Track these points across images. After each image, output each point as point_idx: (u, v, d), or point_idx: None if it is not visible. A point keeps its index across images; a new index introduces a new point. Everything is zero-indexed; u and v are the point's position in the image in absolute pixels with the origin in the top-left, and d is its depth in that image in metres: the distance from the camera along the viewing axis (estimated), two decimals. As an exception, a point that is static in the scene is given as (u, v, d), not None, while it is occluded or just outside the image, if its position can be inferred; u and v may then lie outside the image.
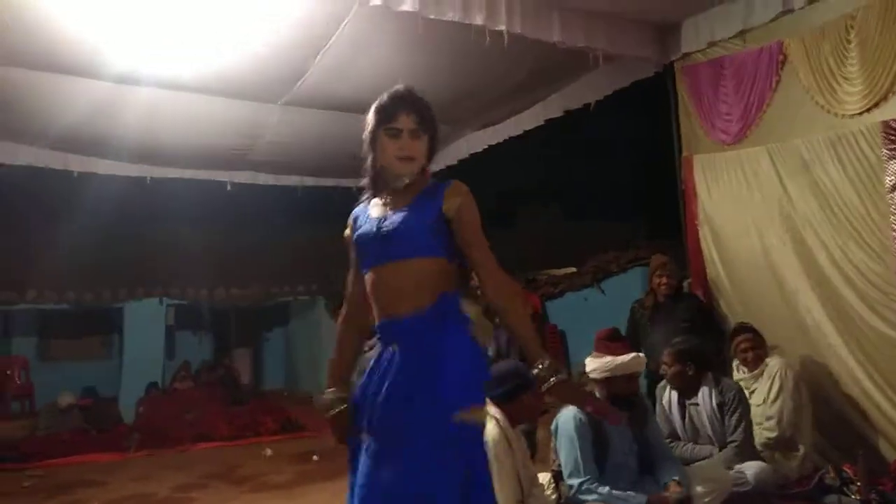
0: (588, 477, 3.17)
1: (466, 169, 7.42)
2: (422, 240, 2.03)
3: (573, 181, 11.36)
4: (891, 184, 3.74)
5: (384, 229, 2.06)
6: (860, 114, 3.88)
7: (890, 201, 3.74)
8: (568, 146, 10.20)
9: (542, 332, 4.78)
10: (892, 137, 3.72)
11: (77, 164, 6.59)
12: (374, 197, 2.17)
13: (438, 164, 7.56)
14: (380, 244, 2.06)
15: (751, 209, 4.54)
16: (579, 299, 8.64)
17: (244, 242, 10.29)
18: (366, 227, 2.12)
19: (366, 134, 2.12)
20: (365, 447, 1.99)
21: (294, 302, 11.41)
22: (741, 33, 4.52)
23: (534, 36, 4.31)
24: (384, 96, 2.10)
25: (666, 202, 5.39)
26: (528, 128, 6.25)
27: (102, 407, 8.66)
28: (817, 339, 4.14)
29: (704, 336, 4.21)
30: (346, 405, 2.10)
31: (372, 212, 2.15)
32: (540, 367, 1.93)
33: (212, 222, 9.58)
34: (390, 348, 2.03)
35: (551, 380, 1.92)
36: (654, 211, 7.02)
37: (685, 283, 5.10)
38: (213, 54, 4.80)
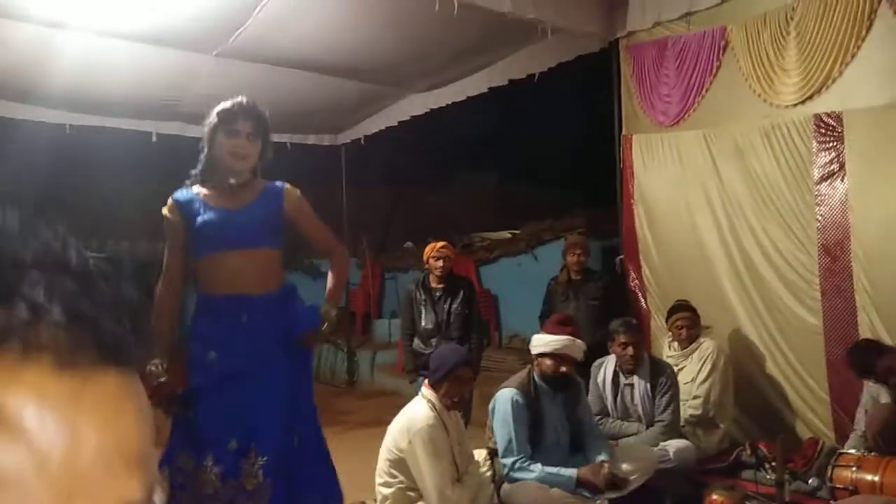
0: (521, 456, 3.26)
1: (408, 131, 7.26)
2: (269, 232, 2.47)
3: (513, 149, 11.33)
4: (819, 176, 3.89)
5: (239, 220, 2.42)
6: (794, 105, 3.98)
7: (816, 193, 3.91)
8: (510, 116, 10.16)
9: (475, 295, 4.86)
10: (823, 131, 3.86)
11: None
12: (202, 186, 2.50)
13: (378, 125, 7.36)
14: (233, 232, 2.40)
15: (684, 191, 4.64)
16: (513, 265, 8.73)
17: (167, 195, 9.86)
18: (210, 215, 2.44)
19: (206, 131, 2.47)
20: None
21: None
22: (686, 15, 4.53)
23: (484, 5, 4.21)
24: (228, 103, 2.46)
25: (603, 177, 5.45)
26: (471, 94, 6.13)
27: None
28: (742, 320, 4.32)
29: (610, 315, 4.23)
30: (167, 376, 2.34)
31: (211, 202, 2.47)
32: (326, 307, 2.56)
33: (135, 173, 9.12)
34: (243, 317, 2.40)
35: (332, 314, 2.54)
36: (591, 185, 7.10)
37: (617, 261, 5.22)
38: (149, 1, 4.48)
